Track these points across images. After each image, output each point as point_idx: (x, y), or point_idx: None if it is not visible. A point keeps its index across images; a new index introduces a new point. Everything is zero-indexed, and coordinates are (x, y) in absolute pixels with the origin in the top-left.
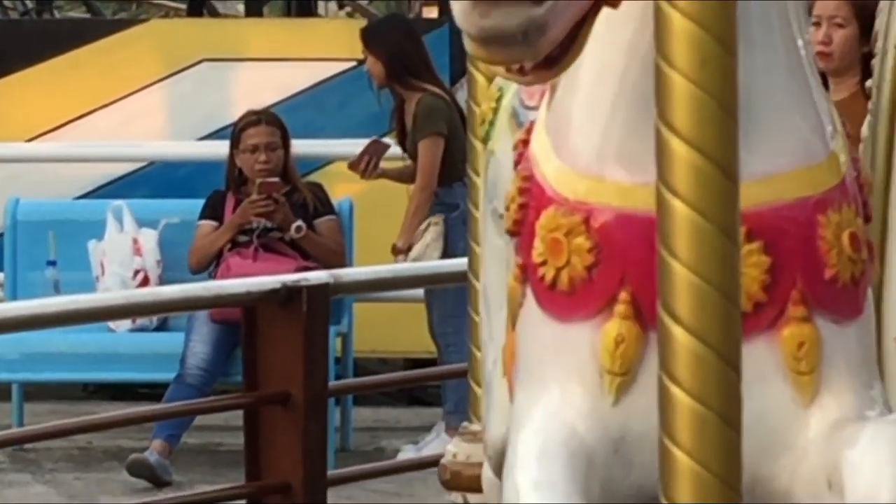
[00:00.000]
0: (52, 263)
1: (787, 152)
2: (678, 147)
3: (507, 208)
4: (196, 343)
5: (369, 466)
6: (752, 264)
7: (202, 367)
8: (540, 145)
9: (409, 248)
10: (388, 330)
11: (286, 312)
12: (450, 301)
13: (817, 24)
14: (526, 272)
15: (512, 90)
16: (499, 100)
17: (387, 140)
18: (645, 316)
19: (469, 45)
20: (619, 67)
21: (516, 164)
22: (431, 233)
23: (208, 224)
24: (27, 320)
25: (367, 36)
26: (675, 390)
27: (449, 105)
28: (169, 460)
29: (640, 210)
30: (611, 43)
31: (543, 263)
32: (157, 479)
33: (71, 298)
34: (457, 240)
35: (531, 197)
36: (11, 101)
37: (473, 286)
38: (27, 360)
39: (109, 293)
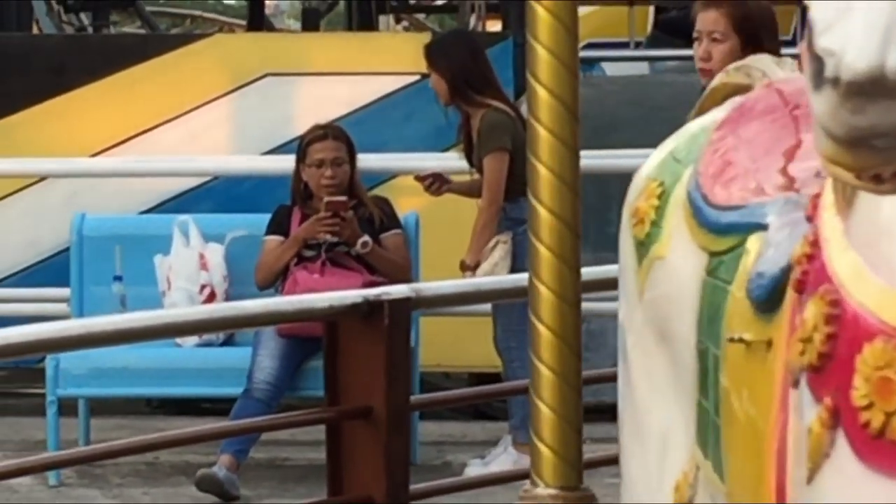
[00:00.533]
0: (118, 279)
1: None
2: None
3: (808, 339)
4: (263, 358)
5: (452, 481)
6: None
7: (269, 382)
8: (847, 264)
9: (478, 265)
10: (453, 344)
11: (368, 326)
12: (514, 315)
13: (697, 40)
14: (838, 416)
15: (681, 184)
16: (662, 196)
17: (449, 177)
18: None
19: (826, 147)
20: None
21: (800, 283)
22: (499, 251)
23: (274, 239)
24: (113, 336)
25: (430, 53)
26: None
27: (513, 119)
28: (237, 475)
29: None
30: None
31: (868, 407)
32: (225, 494)
33: (155, 314)
34: (525, 255)
35: (842, 326)
36: (75, 116)
37: (537, 290)
38: (94, 376)
39: (194, 307)
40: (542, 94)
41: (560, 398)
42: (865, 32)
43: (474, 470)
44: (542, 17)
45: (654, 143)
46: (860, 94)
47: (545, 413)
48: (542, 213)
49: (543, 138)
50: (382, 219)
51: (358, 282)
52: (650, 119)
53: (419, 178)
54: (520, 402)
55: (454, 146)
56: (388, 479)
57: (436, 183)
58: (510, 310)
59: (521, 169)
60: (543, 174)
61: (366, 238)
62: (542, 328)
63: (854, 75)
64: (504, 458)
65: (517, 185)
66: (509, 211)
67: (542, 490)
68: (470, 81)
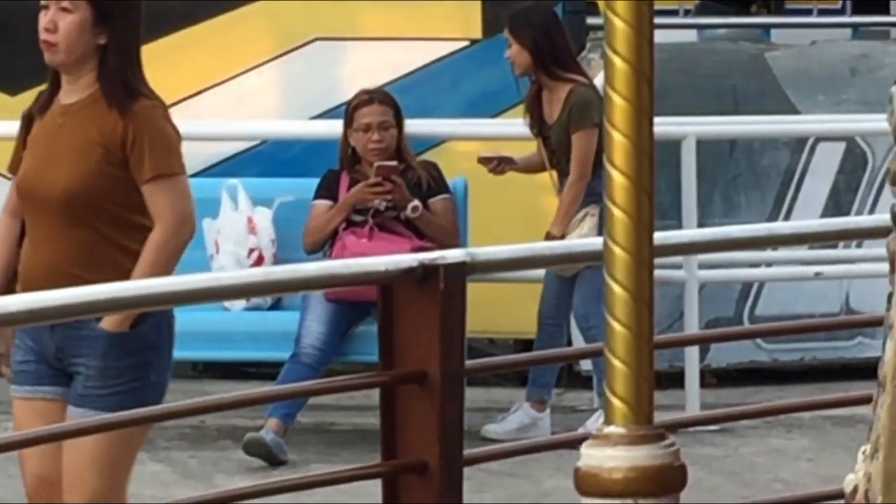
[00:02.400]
0: None
1: None
2: None
3: None
4: (311, 322)
5: (505, 446)
6: None
7: (317, 347)
8: None
9: (563, 237)
10: (500, 310)
11: (423, 291)
12: (596, 283)
13: (45, 8)
14: None
15: None
16: None
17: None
18: None
19: None
20: None
21: None
22: (588, 223)
23: (323, 203)
24: (176, 296)
25: (513, 24)
26: None
27: (599, 95)
28: (284, 439)
29: None
30: None
31: None
32: (272, 458)
33: (211, 276)
34: (600, 225)
35: None
36: None
37: (612, 251)
38: None
39: (247, 270)
40: (619, 64)
41: (635, 354)
42: None
43: (494, 432)
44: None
45: (702, 110)
46: None
47: (619, 369)
48: (617, 177)
49: (619, 106)
50: (430, 183)
51: (406, 246)
52: (699, 87)
53: (483, 160)
54: (603, 367)
55: (503, 112)
56: (442, 445)
57: (501, 164)
58: (591, 278)
59: (602, 142)
60: (618, 140)
61: (416, 203)
62: (617, 288)
63: None
64: (520, 415)
65: (598, 158)
66: (593, 186)
67: (611, 428)
68: (554, 55)
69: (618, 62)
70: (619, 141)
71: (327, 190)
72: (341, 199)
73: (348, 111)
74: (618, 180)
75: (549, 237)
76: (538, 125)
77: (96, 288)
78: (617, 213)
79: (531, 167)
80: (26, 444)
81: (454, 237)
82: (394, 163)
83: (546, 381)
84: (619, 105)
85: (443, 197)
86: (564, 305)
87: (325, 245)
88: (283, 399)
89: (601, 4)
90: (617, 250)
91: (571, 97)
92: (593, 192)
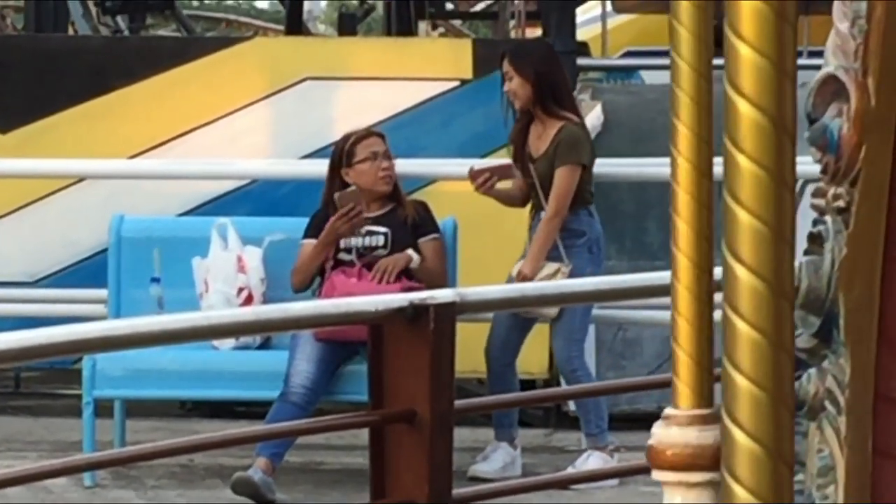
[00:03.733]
0: (156, 280)
1: None
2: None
3: None
4: (300, 361)
5: (495, 486)
6: None
7: (306, 386)
8: None
9: (533, 277)
10: None
11: (413, 330)
12: (576, 325)
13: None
14: None
15: None
16: None
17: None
18: None
19: None
20: None
21: None
22: (560, 279)
23: (311, 243)
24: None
25: (515, 57)
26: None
27: (588, 136)
28: (273, 479)
29: None
30: None
31: None
32: (260, 498)
33: (201, 315)
34: (583, 266)
35: None
36: (115, 117)
37: (677, 289)
38: (130, 377)
39: (239, 309)
40: (683, 67)
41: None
42: None
43: (482, 471)
44: (682, 34)
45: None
46: None
47: (682, 358)
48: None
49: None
50: (418, 221)
51: (395, 287)
52: None
53: (472, 175)
54: (592, 408)
55: (492, 152)
56: (431, 484)
57: (493, 177)
58: (570, 320)
59: (586, 184)
60: (682, 132)
61: (415, 257)
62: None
63: None
64: (501, 454)
65: (580, 198)
66: (568, 222)
67: (676, 411)
68: (553, 90)
69: (681, 64)
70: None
71: (316, 229)
72: (319, 237)
73: (343, 150)
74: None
75: (520, 276)
76: (521, 159)
77: (87, 326)
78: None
79: (511, 201)
80: (15, 483)
81: (443, 279)
82: (353, 188)
83: (511, 420)
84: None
85: (432, 237)
86: (514, 344)
87: (312, 283)
88: (271, 438)
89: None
90: (680, 256)
91: (561, 133)
92: (567, 228)
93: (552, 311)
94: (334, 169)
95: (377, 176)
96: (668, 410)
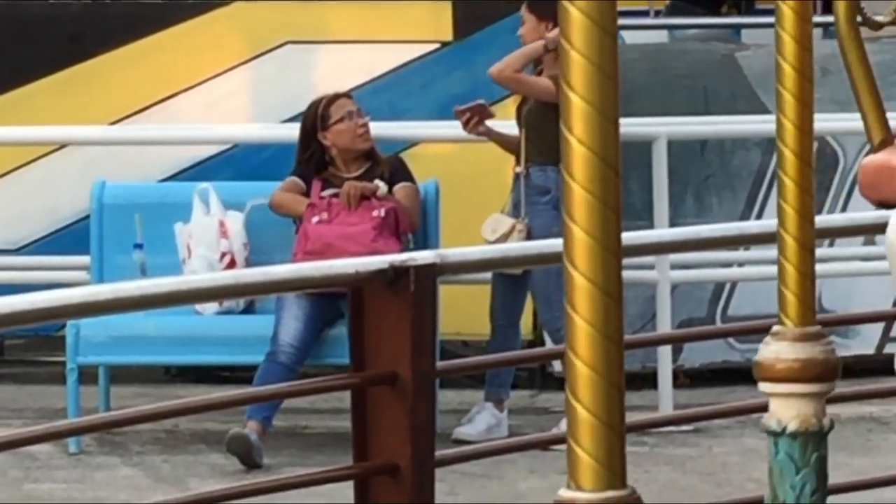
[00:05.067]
0: (138, 246)
1: None
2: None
3: None
4: (288, 320)
5: (477, 447)
6: None
7: (293, 345)
8: None
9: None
10: (473, 313)
11: (393, 292)
12: (552, 285)
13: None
14: None
15: None
16: None
17: (492, 109)
18: None
19: None
20: None
21: None
22: (515, 238)
23: (296, 182)
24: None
25: (535, 3)
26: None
27: None
28: (262, 443)
29: None
30: None
31: None
32: (250, 459)
33: (182, 279)
34: (549, 224)
35: None
36: (94, 84)
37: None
38: (114, 344)
39: (218, 273)
40: (788, 12)
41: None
42: None
43: (466, 434)
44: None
45: (672, 110)
46: None
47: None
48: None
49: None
50: (393, 174)
51: (366, 224)
52: (670, 87)
53: (458, 112)
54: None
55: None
56: (414, 446)
57: (474, 117)
58: (546, 282)
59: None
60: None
61: (382, 186)
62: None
63: None
64: (485, 416)
65: (549, 151)
66: (535, 178)
67: (782, 327)
68: None
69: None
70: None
71: (302, 167)
72: (313, 198)
73: (317, 113)
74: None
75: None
76: (521, 106)
77: (69, 292)
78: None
79: (509, 142)
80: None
81: (415, 215)
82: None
83: (503, 380)
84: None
85: (404, 184)
86: (512, 305)
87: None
88: (255, 402)
89: None
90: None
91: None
92: (534, 185)
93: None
94: (307, 134)
95: (355, 134)
96: (777, 328)
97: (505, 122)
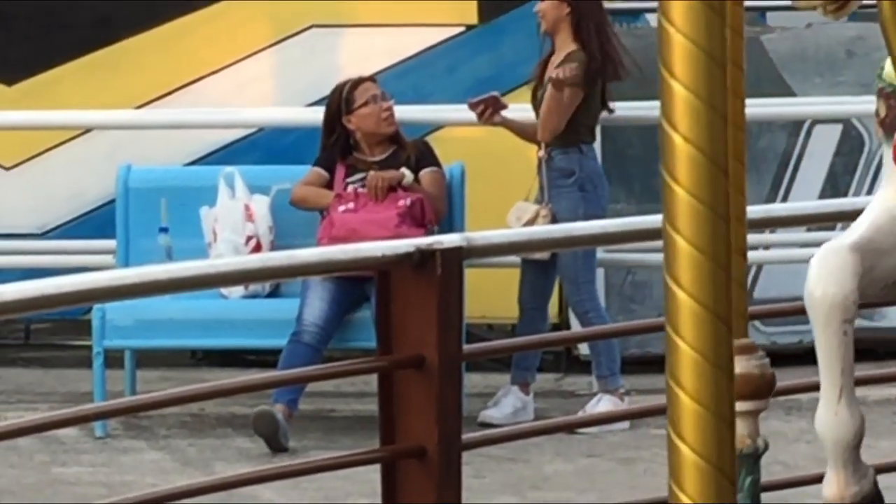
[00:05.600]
0: (164, 230)
1: None
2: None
3: None
4: (313, 300)
5: (503, 430)
6: None
7: (318, 325)
8: None
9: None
10: (498, 296)
11: (419, 276)
12: (580, 268)
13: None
14: None
15: None
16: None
17: (505, 101)
18: None
19: None
20: None
21: None
22: (540, 223)
23: (319, 172)
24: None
25: None
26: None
27: (594, 68)
28: (289, 425)
29: None
30: None
31: None
32: (276, 442)
33: (209, 263)
34: (574, 206)
35: None
36: (121, 68)
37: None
38: (139, 327)
39: (244, 257)
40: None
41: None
42: None
43: (492, 418)
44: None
45: None
46: None
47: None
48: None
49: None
50: (419, 157)
51: (392, 211)
52: None
53: (472, 105)
54: (604, 350)
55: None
56: (441, 429)
57: (488, 108)
58: (574, 264)
59: (581, 119)
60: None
61: (408, 174)
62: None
63: None
64: (511, 399)
65: (573, 134)
66: (557, 160)
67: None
68: (582, 19)
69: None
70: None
71: (326, 161)
72: (336, 188)
73: (344, 96)
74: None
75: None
76: (535, 92)
77: (96, 276)
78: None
79: (526, 130)
80: (26, 432)
81: (441, 203)
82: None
83: (529, 363)
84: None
85: (431, 169)
86: (541, 288)
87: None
88: (281, 385)
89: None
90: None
91: (567, 57)
92: (557, 167)
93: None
94: (332, 119)
95: (380, 118)
96: None
97: (523, 105)
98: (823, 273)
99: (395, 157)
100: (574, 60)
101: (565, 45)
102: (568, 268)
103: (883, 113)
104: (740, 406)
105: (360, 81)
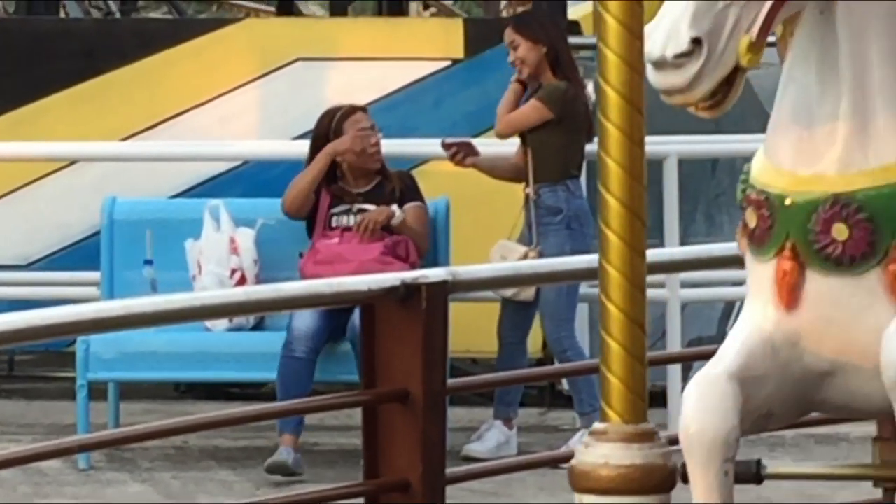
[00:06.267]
0: (148, 262)
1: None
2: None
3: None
4: (303, 311)
5: (487, 465)
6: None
7: (308, 335)
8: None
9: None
10: (482, 330)
11: (405, 310)
12: (561, 305)
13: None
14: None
15: None
16: None
17: (479, 148)
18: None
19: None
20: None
21: None
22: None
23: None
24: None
25: (522, 25)
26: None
27: (578, 100)
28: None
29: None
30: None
31: None
32: (292, 474)
33: (193, 295)
34: (561, 244)
35: None
36: (106, 100)
37: (606, 271)
38: (124, 360)
39: (229, 290)
40: (612, 94)
41: (629, 371)
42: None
43: (477, 452)
44: (611, 25)
45: (683, 129)
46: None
47: (615, 384)
48: (612, 202)
49: (612, 134)
50: (404, 191)
51: (378, 246)
52: (679, 105)
53: (445, 145)
54: (585, 388)
55: (484, 132)
56: (425, 463)
57: (460, 152)
58: (556, 301)
59: (567, 154)
60: (612, 168)
61: (398, 213)
62: (612, 308)
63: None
64: (494, 433)
65: (560, 170)
66: (545, 198)
67: (606, 426)
68: (559, 53)
69: (610, 93)
70: (612, 168)
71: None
72: (320, 218)
73: (333, 126)
74: (612, 205)
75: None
76: (521, 133)
77: (80, 308)
78: (612, 236)
79: (496, 169)
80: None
81: (424, 240)
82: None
83: (511, 399)
84: (612, 133)
85: (415, 204)
86: (521, 323)
87: (304, 207)
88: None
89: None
90: (612, 272)
91: (543, 87)
92: (544, 206)
93: (528, 292)
94: (320, 145)
95: (368, 152)
96: (600, 424)
97: (513, 141)
98: (701, 407)
99: (380, 188)
100: (553, 86)
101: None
102: (550, 304)
103: (753, 223)
104: (641, 500)
105: (352, 111)
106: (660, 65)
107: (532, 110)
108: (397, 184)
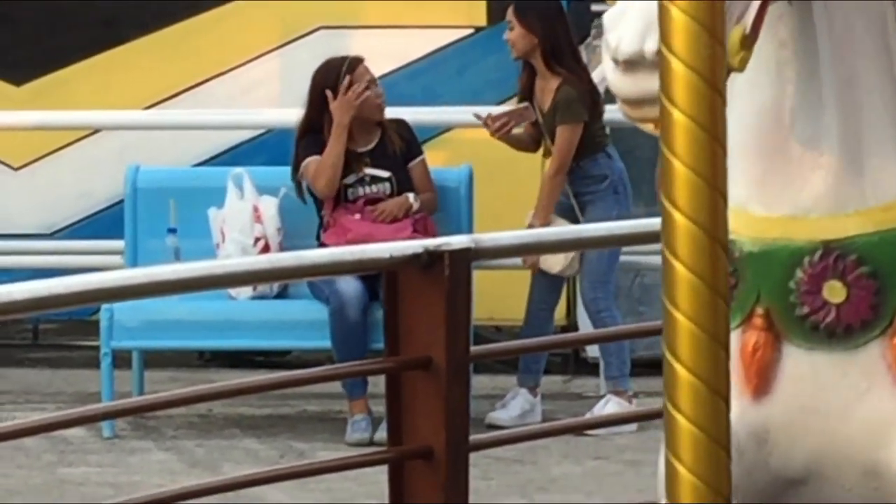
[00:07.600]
0: (172, 231)
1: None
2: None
3: None
4: (346, 279)
5: (511, 432)
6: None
7: (358, 297)
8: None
9: (547, 225)
10: (506, 298)
11: (428, 277)
12: (602, 266)
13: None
14: None
15: None
16: None
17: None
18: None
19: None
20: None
21: None
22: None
23: (317, 160)
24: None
25: (519, 9)
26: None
27: (586, 92)
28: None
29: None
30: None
31: None
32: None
33: (217, 263)
34: (608, 209)
35: None
36: (129, 69)
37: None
38: (147, 328)
39: (252, 257)
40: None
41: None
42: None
43: (500, 419)
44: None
45: None
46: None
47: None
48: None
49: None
50: (405, 147)
51: (408, 225)
52: None
53: (487, 120)
54: (614, 351)
55: (507, 100)
56: (448, 431)
57: (510, 122)
58: (597, 262)
59: (595, 129)
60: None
61: (415, 201)
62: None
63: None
64: (519, 401)
65: (593, 144)
66: (588, 169)
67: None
68: (554, 45)
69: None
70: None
71: (315, 147)
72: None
73: (340, 76)
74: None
75: (530, 227)
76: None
77: (104, 276)
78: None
79: (521, 143)
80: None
81: (434, 202)
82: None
83: (537, 367)
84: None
85: (419, 160)
86: (551, 291)
87: (336, 185)
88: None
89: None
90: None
91: (558, 94)
92: (588, 175)
93: (574, 268)
94: (322, 94)
95: (374, 103)
96: None
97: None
98: None
99: (382, 146)
100: (564, 100)
101: (546, 75)
102: (592, 264)
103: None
104: None
105: (356, 62)
106: (633, 64)
107: (569, 136)
108: (397, 141)
